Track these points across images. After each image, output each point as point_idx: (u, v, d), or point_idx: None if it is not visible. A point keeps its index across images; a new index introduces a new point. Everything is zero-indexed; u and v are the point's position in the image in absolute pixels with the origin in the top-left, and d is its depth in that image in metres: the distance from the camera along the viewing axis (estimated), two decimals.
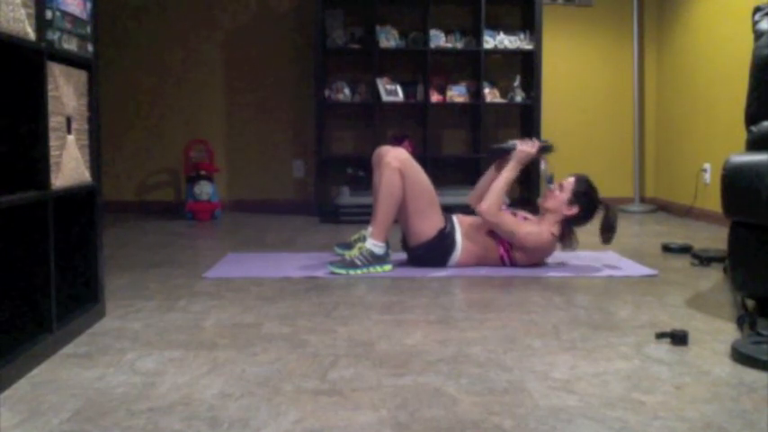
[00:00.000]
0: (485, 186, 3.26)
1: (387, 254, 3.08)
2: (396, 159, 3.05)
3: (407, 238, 3.17)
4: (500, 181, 3.12)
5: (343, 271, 2.99)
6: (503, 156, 3.23)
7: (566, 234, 3.15)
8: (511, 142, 3.23)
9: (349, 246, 3.26)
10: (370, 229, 3.07)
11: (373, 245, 3.02)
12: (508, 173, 3.15)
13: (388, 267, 3.06)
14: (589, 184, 3.14)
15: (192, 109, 5.53)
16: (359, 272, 2.99)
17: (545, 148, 3.23)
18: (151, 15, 5.46)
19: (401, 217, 3.11)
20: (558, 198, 3.11)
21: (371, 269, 3.02)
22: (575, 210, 3.09)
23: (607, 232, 3.13)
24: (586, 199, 3.11)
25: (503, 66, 5.55)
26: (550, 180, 3.23)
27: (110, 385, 1.69)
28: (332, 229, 4.51)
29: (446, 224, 3.13)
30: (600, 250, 3.62)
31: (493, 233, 3.12)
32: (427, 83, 5.17)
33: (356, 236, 3.28)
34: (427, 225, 3.09)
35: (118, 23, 5.42)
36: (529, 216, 3.24)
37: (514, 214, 3.18)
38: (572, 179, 3.14)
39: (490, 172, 3.31)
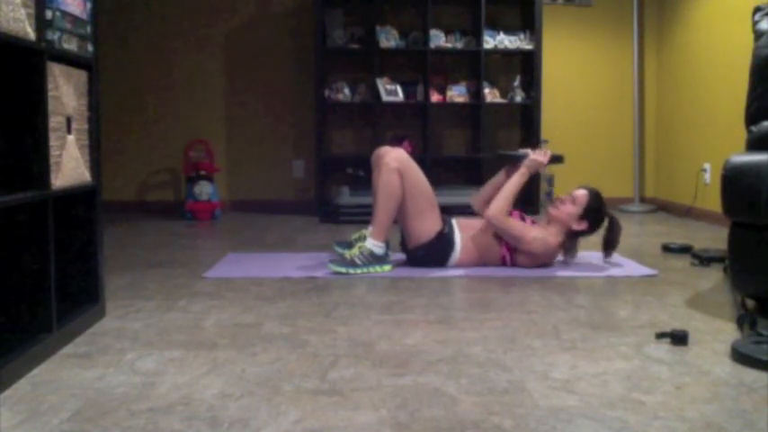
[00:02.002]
0: (490, 191, 3.26)
1: (386, 254, 3.08)
2: (395, 160, 3.05)
3: (406, 240, 3.17)
4: (509, 187, 3.12)
5: (342, 269, 2.99)
6: (512, 163, 3.24)
7: (569, 244, 3.17)
8: (522, 151, 3.25)
9: (349, 244, 3.26)
10: (370, 228, 3.07)
11: (373, 245, 3.02)
12: (518, 179, 3.15)
13: (387, 267, 3.06)
14: (600, 200, 3.15)
15: (192, 109, 5.53)
16: (358, 271, 2.99)
17: (556, 159, 3.24)
18: (151, 15, 5.45)
19: (400, 218, 3.11)
20: (569, 211, 3.10)
21: (371, 269, 3.02)
22: (583, 225, 3.10)
23: (610, 247, 3.16)
24: (596, 215, 3.12)
25: (503, 66, 5.55)
26: (550, 194, 3.27)
27: (110, 385, 1.69)
28: (332, 229, 4.51)
29: (444, 226, 3.13)
30: (599, 250, 3.62)
31: (495, 235, 3.13)
32: (427, 83, 5.17)
33: (356, 235, 3.28)
34: (426, 226, 3.09)
35: (118, 23, 5.42)
36: (535, 221, 3.25)
37: (522, 218, 3.17)
38: (584, 193, 3.13)
39: (497, 177, 3.30)
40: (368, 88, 5.29)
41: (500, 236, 3.11)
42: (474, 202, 3.34)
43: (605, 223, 3.17)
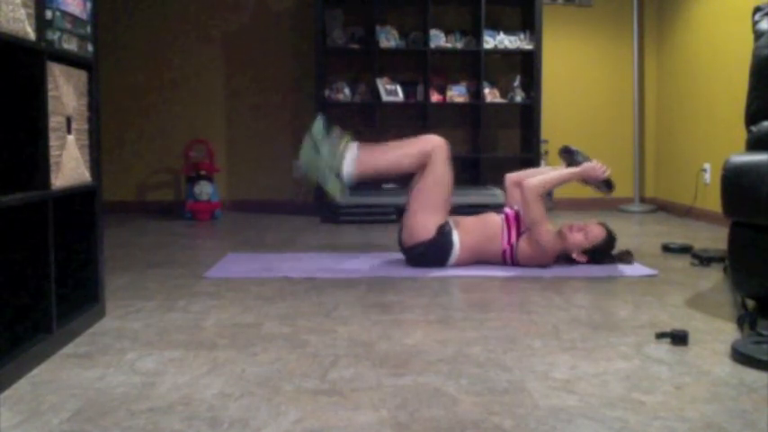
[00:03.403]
0: (530, 173, 3.31)
1: (345, 185, 3.05)
2: (439, 143, 3.13)
3: (403, 237, 3.13)
4: (557, 175, 3.17)
5: (308, 150, 3.00)
6: (570, 160, 3.27)
7: (561, 258, 3.19)
8: (585, 157, 3.26)
9: (330, 133, 3.10)
10: (356, 152, 3.06)
11: (348, 165, 3.01)
12: (567, 173, 3.19)
13: (337, 189, 3.04)
14: (612, 245, 3.18)
15: (192, 109, 5.53)
16: (320, 163, 2.99)
17: (609, 182, 3.23)
18: (151, 15, 5.46)
19: (410, 207, 3.10)
20: (578, 241, 3.12)
21: (328, 177, 3.01)
22: (583, 259, 3.14)
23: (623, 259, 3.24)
24: (600, 256, 3.17)
25: (503, 66, 5.55)
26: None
27: (110, 385, 1.69)
28: (332, 229, 4.51)
29: (445, 222, 3.12)
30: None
31: (494, 230, 3.13)
32: (427, 83, 5.17)
33: (345, 139, 3.12)
34: (429, 224, 3.07)
35: (118, 23, 5.42)
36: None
37: None
38: (601, 232, 3.15)
39: (546, 169, 3.38)
40: (368, 88, 5.29)
41: (501, 231, 3.12)
42: (508, 177, 3.40)
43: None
